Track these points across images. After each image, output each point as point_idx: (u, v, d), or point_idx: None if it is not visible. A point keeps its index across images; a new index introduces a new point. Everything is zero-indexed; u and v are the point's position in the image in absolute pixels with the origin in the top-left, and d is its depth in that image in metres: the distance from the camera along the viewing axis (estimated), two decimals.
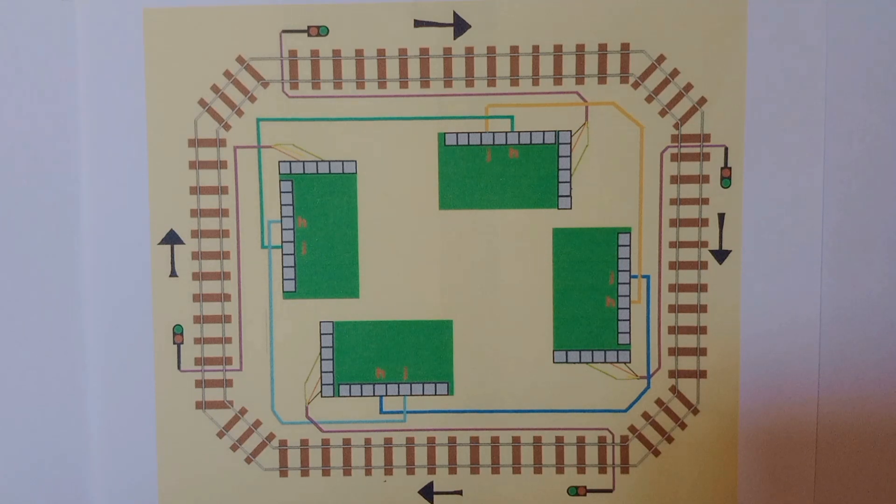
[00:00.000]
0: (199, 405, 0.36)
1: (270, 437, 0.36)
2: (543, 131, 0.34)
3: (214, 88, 0.35)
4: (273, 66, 0.34)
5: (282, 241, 0.35)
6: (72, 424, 0.35)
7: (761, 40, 0.33)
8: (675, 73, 0.34)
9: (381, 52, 0.34)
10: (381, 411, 0.36)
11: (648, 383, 0.35)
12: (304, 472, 0.36)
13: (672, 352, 0.35)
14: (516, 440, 0.36)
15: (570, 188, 0.35)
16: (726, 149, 0.34)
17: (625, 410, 0.36)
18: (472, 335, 0.35)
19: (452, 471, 0.36)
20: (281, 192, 0.35)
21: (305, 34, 0.34)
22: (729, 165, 0.34)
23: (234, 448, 0.36)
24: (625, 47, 0.34)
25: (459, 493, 0.36)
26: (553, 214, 0.35)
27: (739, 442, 0.35)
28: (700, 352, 0.35)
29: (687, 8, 0.33)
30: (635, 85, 0.34)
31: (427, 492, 0.36)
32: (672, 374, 0.35)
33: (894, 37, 0.33)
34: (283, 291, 0.35)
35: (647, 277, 0.35)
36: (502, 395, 0.36)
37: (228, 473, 0.36)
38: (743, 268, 0.34)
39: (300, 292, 0.35)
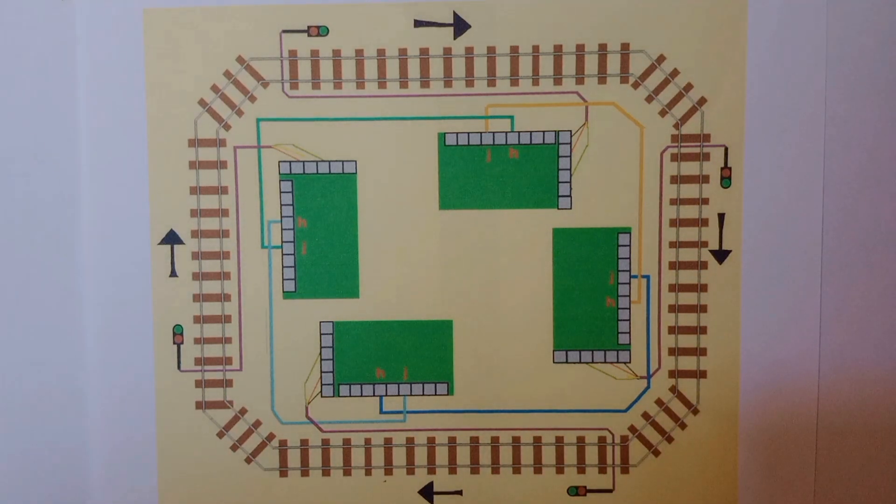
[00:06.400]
0: (199, 405, 0.36)
1: (270, 437, 0.36)
2: (543, 131, 0.34)
3: (214, 88, 0.35)
4: (273, 66, 0.34)
5: (282, 241, 0.35)
6: (72, 424, 0.35)
7: (761, 40, 0.33)
8: (675, 73, 0.34)
9: (381, 52, 0.34)
10: (381, 411, 0.36)
11: (648, 383, 0.35)
12: (304, 472, 0.36)
13: (672, 352, 0.35)
14: (516, 440, 0.36)
15: (570, 188, 0.35)
16: (726, 149, 0.34)
17: (625, 410, 0.36)
18: (472, 335, 0.35)
19: (452, 471, 0.36)
20: (281, 192, 0.35)
21: (305, 34, 0.34)
22: (729, 165, 0.34)
23: (234, 448, 0.36)
24: (625, 47, 0.34)
25: (459, 493, 0.36)
26: (553, 214, 0.35)
27: (739, 442, 0.35)
28: (700, 352, 0.35)
29: (687, 8, 0.33)
30: (635, 85, 0.34)
31: (427, 492, 0.36)
32: (672, 374, 0.35)
33: (894, 37, 0.33)
34: (283, 291, 0.35)
35: (647, 277, 0.35)
36: (502, 395, 0.36)
37: (228, 473, 0.36)
38: (743, 268, 0.34)
39: (300, 292, 0.35)
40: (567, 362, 0.35)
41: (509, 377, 0.35)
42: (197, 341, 0.35)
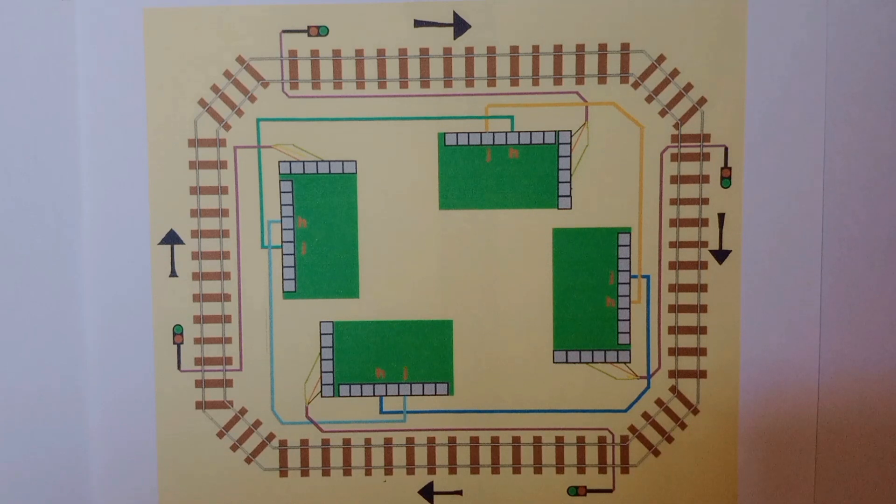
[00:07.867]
0: (199, 405, 0.36)
1: (270, 437, 0.36)
2: (543, 131, 0.34)
3: (214, 88, 0.35)
4: (273, 66, 0.34)
5: (282, 241, 0.35)
6: (72, 424, 0.35)
7: (761, 40, 0.33)
8: (675, 73, 0.34)
9: (381, 52, 0.34)
10: (381, 411, 0.36)
11: (648, 383, 0.35)
12: (304, 472, 0.36)
13: (672, 352, 0.35)
14: (516, 440, 0.36)
15: (570, 188, 0.35)
16: (726, 149, 0.34)
17: (625, 410, 0.36)
18: (472, 335, 0.35)
19: (452, 471, 0.36)
20: (281, 192, 0.35)
21: (305, 34, 0.34)
22: (729, 165, 0.34)
23: (234, 448, 0.36)
24: (625, 47, 0.34)
25: (459, 493, 0.36)
26: (553, 214, 0.35)
27: (739, 442, 0.35)
28: (700, 352, 0.35)
29: (687, 8, 0.33)
30: (635, 85, 0.34)
31: (427, 492, 0.36)
32: (672, 374, 0.35)
33: (894, 37, 0.33)
34: (283, 291, 0.35)
35: (647, 277, 0.35)
36: (502, 395, 0.36)
37: (228, 473, 0.36)
38: (743, 268, 0.34)
39: (300, 292, 0.35)
40: (567, 362, 0.35)
41: (509, 377, 0.35)
42: (197, 341, 0.35)
